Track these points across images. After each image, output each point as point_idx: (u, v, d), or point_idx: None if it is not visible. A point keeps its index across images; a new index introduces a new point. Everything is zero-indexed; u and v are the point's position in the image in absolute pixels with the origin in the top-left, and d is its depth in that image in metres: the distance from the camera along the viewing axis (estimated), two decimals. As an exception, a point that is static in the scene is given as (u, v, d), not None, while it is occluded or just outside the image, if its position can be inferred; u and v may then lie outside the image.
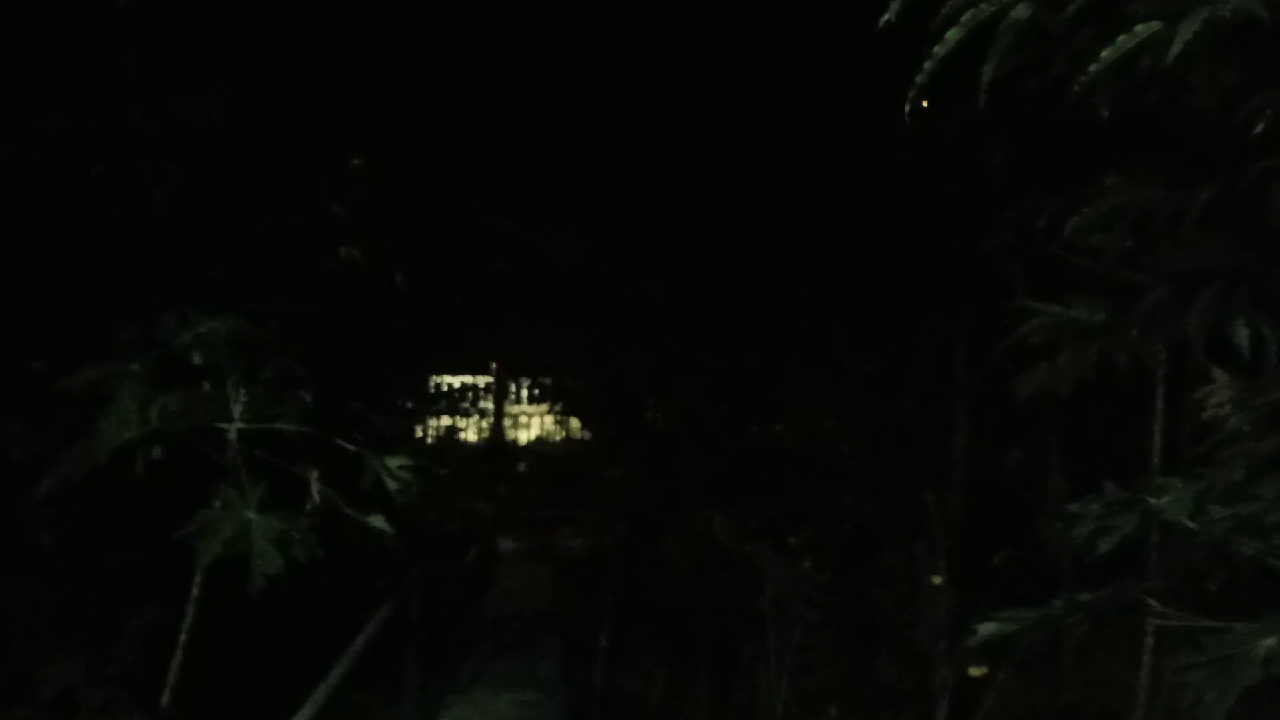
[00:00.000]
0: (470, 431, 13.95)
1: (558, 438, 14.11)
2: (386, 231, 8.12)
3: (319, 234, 7.04)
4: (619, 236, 12.42)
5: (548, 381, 13.81)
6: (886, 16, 1.84)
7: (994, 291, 7.62)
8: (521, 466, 13.20)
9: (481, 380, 14.05)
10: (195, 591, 3.89)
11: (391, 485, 3.98)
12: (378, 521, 4.03)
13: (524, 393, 14.34)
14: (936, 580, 5.37)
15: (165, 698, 3.93)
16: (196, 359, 3.84)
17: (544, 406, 13.97)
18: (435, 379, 13.29)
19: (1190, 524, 2.14)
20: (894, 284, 9.74)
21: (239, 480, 3.95)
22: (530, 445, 14.08)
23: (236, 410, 3.87)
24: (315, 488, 4.04)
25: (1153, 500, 2.18)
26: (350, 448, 4.01)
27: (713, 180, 11.76)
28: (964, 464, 8.64)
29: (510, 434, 14.22)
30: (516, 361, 13.80)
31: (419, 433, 12.31)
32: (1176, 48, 1.56)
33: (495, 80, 12.68)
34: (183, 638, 3.88)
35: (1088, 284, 3.50)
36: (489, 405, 14.17)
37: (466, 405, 13.73)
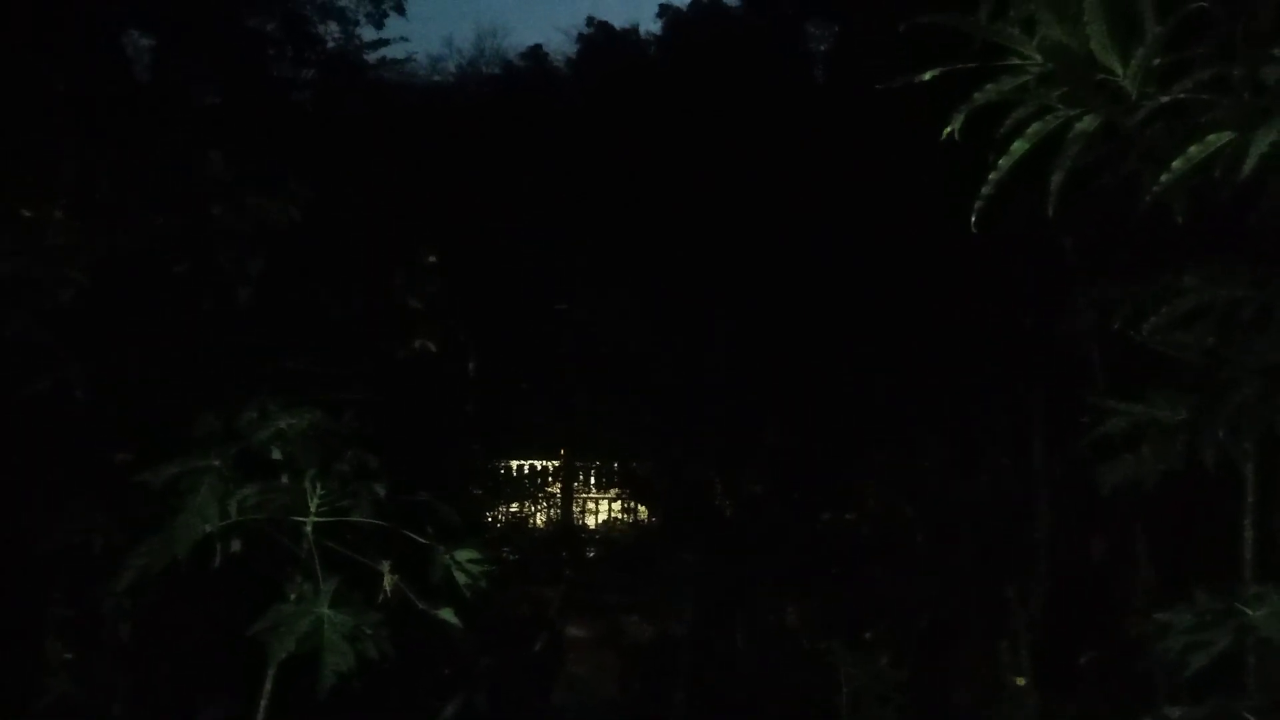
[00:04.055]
0: (539, 516, 13.95)
1: (626, 523, 14.04)
2: (459, 321, 8.29)
3: (395, 325, 7.22)
4: (685, 319, 12.49)
5: (615, 465, 13.80)
6: (950, 129, 1.85)
7: (1072, 375, 7.46)
8: (590, 552, 13.15)
9: (550, 464, 14.11)
10: (268, 686, 3.90)
11: (461, 579, 3.98)
12: (448, 615, 4.03)
13: (592, 478, 14.35)
14: (1020, 681, 5.15)
15: (236, 793, 3.93)
16: (276, 454, 3.92)
17: (612, 491, 13.96)
18: (505, 463, 13.38)
19: (1290, 637, 2.04)
20: (968, 366, 9.60)
21: (314, 573, 3.99)
22: (598, 530, 14.03)
23: (313, 503, 3.93)
24: (387, 580, 4.06)
25: (1248, 612, 2.08)
26: (421, 540, 4.04)
27: (781, 262, 11.81)
28: (1046, 554, 8.36)
29: (578, 519, 14.19)
30: (584, 446, 13.83)
31: (488, 518, 12.35)
32: (1251, 161, 1.54)
33: (562, 167, 12.97)
34: (255, 733, 3.89)
35: (1170, 370, 3.40)
36: (557, 489, 14.18)
37: (535, 490, 13.76)
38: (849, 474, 10.42)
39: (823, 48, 15.59)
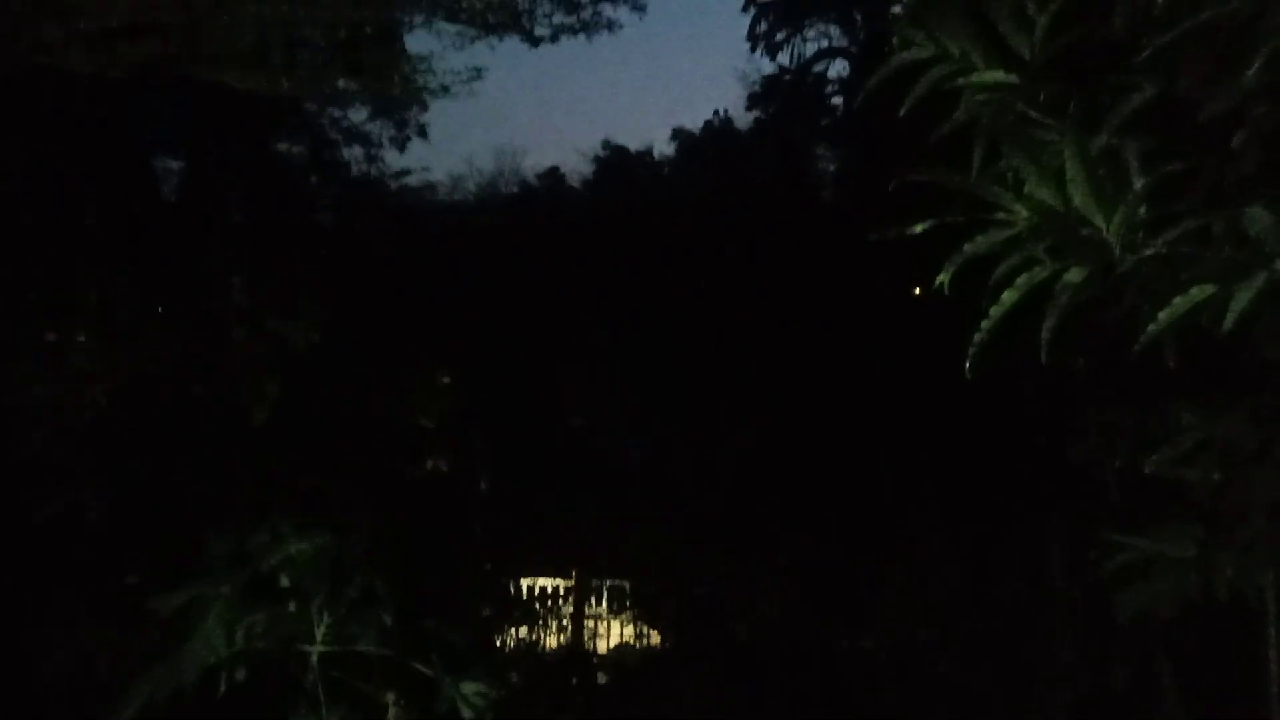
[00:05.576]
0: (549, 638, 13.61)
1: (638, 648, 13.67)
2: (472, 439, 8.37)
3: (407, 445, 7.29)
4: (697, 433, 12.45)
5: (625, 586, 13.54)
6: (941, 278, 1.91)
7: (1089, 497, 7.40)
8: (600, 678, 12.81)
9: (561, 584, 13.84)
10: (269, 821, 3.81)
11: (467, 713, 3.91)
12: (453, 753, 3.95)
13: (604, 601, 14.02)
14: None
15: None
16: (284, 581, 3.92)
17: (624, 615, 13.64)
18: (514, 582, 13.16)
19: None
20: (985, 487, 9.53)
21: (317, 703, 3.94)
22: (609, 654, 13.65)
23: (319, 632, 3.90)
24: (392, 713, 4.01)
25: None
26: (427, 672, 3.99)
27: (792, 378, 11.85)
28: (1069, 681, 8.14)
29: (589, 642, 13.82)
30: (596, 563, 13.63)
31: (497, 641, 12.10)
32: (1232, 316, 1.59)
33: (577, 285, 13.17)
34: None
35: (1185, 493, 3.38)
36: (568, 610, 13.86)
37: (544, 611, 13.45)
38: (866, 597, 10.25)
39: (831, 168, 16.00)
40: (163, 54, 5.59)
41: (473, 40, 7.26)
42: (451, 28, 7.15)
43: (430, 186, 13.41)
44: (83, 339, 5.66)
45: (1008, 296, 1.85)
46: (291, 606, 4.15)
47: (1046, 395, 8.19)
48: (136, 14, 5.33)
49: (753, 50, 14.30)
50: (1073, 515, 8.34)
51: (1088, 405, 6.51)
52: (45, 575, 6.01)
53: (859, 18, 13.86)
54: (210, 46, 5.58)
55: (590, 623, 13.57)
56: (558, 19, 7.86)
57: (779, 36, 14.37)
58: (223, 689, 4.06)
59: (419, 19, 7.11)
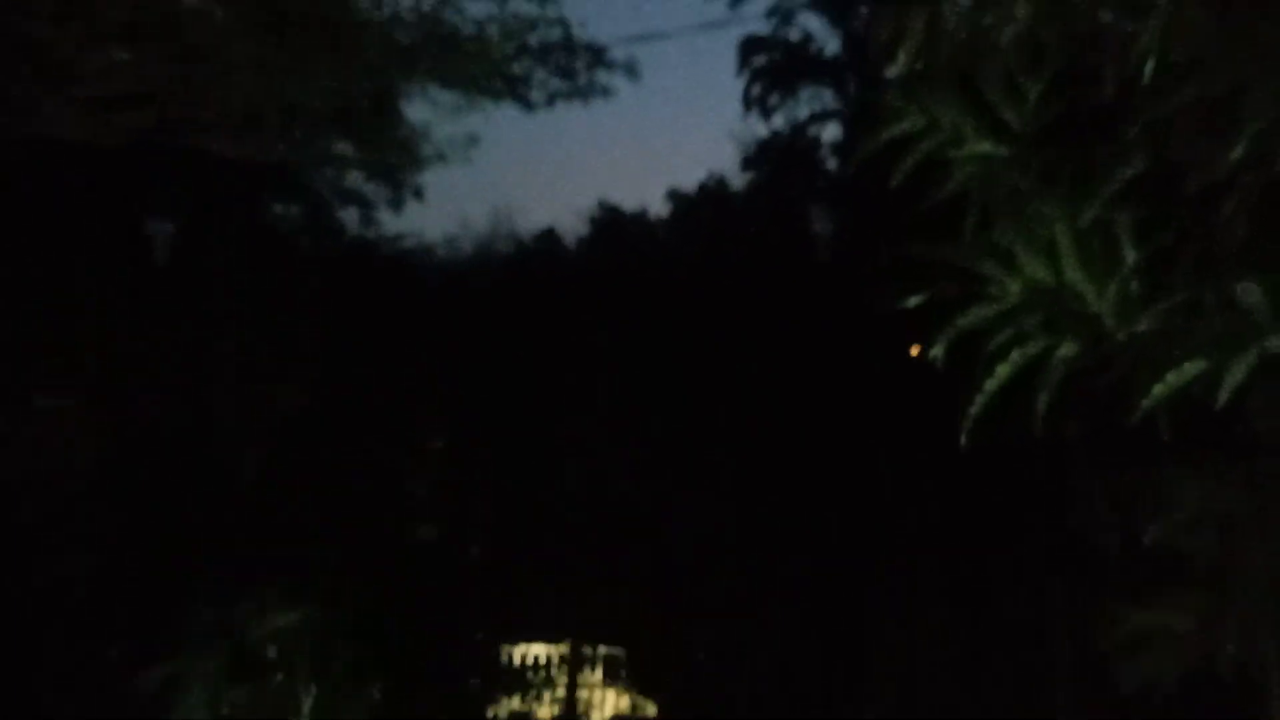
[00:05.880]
0: (542, 709, 13.17)
1: (635, 716, 13.27)
2: (463, 506, 8.27)
3: (399, 512, 7.20)
4: (690, 496, 12.31)
5: (619, 654, 13.22)
6: (935, 351, 1.90)
7: (1089, 561, 7.33)
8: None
9: (554, 652, 13.47)
10: None
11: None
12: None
13: (599, 669, 13.63)
14: None
15: None
16: (270, 654, 3.87)
17: (621, 684, 13.28)
18: (507, 649, 12.82)
19: None
20: (983, 549, 9.44)
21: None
22: (604, 727, 13.21)
23: (306, 706, 3.82)
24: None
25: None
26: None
27: (787, 443, 11.78)
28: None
29: (583, 714, 13.36)
30: (589, 632, 13.31)
31: (488, 713, 11.75)
32: (1226, 391, 1.57)
33: (571, 340, 13.12)
34: None
35: (1185, 560, 3.33)
36: (561, 678, 13.45)
37: (537, 680, 13.03)
38: (864, 654, 10.10)
39: (825, 228, 16.09)
40: (159, 122, 5.62)
41: (470, 108, 7.33)
42: (449, 95, 7.22)
43: (425, 248, 13.40)
44: (73, 402, 5.62)
45: (1002, 370, 1.83)
46: (278, 678, 4.08)
47: (1044, 461, 8.14)
48: (134, 83, 5.37)
49: (747, 110, 14.47)
50: (1073, 580, 8.25)
51: (1084, 471, 6.47)
52: (36, 645, 5.91)
53: (852, 81, 14.05)
54: (206, 115, 5.62)
55: (584, 693, 13.20)
56: (553, 85, 7.95)
57: (773, 100, 14.55)
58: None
59: (416, 86, 7.18)
